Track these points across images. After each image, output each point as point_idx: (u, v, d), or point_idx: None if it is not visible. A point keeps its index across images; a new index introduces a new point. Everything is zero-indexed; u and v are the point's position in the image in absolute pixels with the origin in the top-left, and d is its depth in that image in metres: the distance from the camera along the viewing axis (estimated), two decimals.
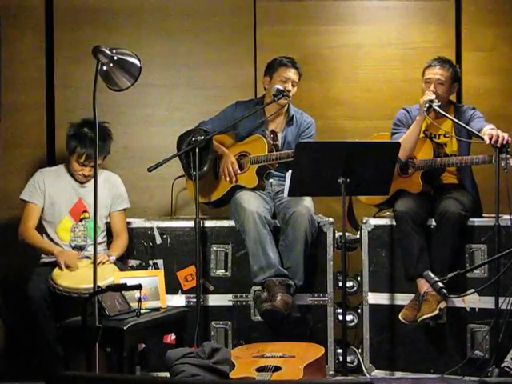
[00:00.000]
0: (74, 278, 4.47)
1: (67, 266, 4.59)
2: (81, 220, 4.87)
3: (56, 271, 4.56)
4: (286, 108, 5.14)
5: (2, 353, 5.18)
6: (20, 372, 4.85)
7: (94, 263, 3.65)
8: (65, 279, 4.49)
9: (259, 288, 4.86)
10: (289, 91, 5.02)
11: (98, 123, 4.76)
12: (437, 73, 4.96)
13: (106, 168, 5.10)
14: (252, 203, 4.86)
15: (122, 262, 4.87)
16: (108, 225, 4.98)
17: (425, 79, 4.98)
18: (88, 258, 4.72)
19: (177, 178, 5.28)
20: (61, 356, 4.34)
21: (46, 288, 4.48)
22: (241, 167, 5.10)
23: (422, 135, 4.99)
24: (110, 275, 4.51)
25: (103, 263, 4.64)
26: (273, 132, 5.15)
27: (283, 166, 5.00)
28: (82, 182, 4.88)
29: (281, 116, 5.16)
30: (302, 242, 4.78)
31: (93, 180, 4.83)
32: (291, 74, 5.07)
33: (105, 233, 4.96)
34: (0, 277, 5.26)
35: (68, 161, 4.90)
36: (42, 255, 4.82)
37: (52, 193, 4.86)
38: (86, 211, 4.87)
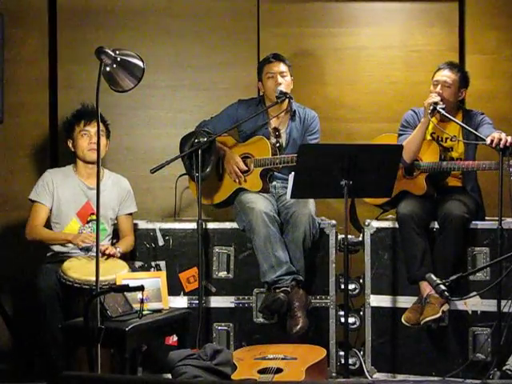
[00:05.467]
0: (85, 270, 4.46)
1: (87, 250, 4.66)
2: (88, 222, 4.87)
3: (66, 264, 4.55)
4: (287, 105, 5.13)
5: (6, 353, 5.19)
6: (23, 372, 4.85)
7: (97, 262, 3.63)
8: (75, 271, 4.48)
9: (261, 290, 4.86)
10: (280, 84, 5.02)
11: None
12: (444, 75, 4.96)
13: (110, 169, 5.10)
14: (259, 203, 4.86)
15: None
16: (115, 226, 4.99)
17: (433, 81, 4.98)
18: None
19: (180, 176, 5.24)
20: (64, 353, 4.33)
21: (57, 280, 4.48)
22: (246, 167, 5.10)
23: (429, 137, 4.99)
24: (120, 269, 4.54)
25: (110, 255, 4.65)
26: (276, 129, 5.14)
27: (286, 168, 5.00)
28: (93, 163, 4.86)
29: (283, 113, 5.15)
30: (301, 242, 4.78)
31: (102, 182, 4.89)
32: (275, 67, 5.08)
33: (110, 236, 4.96)
34: (5, 277, 5.26)
35: (74, 155, 4.93)
36: (52, 246, 4.82)
37: (60, 194, 4.87)
38: (93, 213, 4.84)
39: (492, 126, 4.90)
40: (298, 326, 4.70)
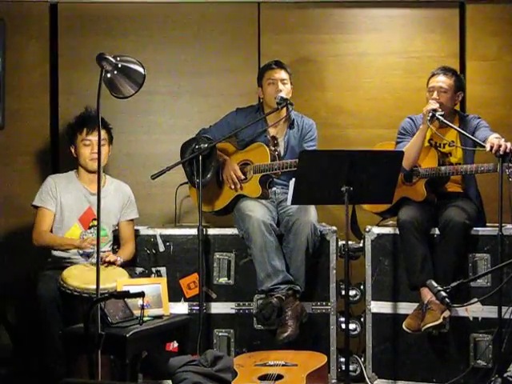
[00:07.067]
0: (84, 278, 4.45)
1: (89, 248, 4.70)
2: (90, 227, 4.86)
3: (66, 272, 4.54)
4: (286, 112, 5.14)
5: (6, 359, 5.18)
6: (23, 379, 4.85)
7: (98, 267, 3.63)
8: (75, 279, 4.47)
9: (261, 296, 4.86)
10: (280, 91, 5.04)
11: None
12: (439, 80, 4.96)
13: (111, 175, 5.10)
14: (257, 211, 4.86)
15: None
16: (115, 232, 4.98)
17: (428, 88, 4.99)
18: None
19: (180, 184, 5.27)
20: (65, 360, 4.32)
21: (56, 288, 4.47)
22: (243, 175, 5.10)
23: (426, 144, 4.99)
24: (119, 277, 4.52)
25: (110, 263, 4.65)
26: (274, 138, 5.15)
27: (286, 174, 5.00)
28: (94, 172, 4.86)
29: (281, 121, 5.16)
30: (303, 250, 4.78)
31: (104, 188, 4.88)
32: (276, 73, 5.10)
33: (111, 242, 4.95)
34: (6, 282, 5.26)
35: (77, 161, 4.92)
36: (53, 252, 4.81)
37: (63, 199, 4.87)
38: (95, 219, 4.82)
39: (489, 128, 4.91)
40: (285, 334, 4.68)
